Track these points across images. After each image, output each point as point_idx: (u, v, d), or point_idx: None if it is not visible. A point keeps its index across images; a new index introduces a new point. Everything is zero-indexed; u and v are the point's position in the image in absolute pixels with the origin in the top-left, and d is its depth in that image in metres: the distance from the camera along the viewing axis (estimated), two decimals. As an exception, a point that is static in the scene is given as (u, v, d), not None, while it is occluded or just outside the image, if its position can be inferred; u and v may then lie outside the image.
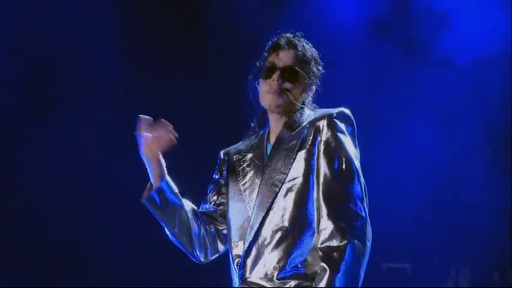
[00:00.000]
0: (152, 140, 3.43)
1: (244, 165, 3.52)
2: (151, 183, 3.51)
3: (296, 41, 3.51)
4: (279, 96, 3.44)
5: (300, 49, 3.49)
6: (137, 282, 7.52)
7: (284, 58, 3.48)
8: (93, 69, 7.46)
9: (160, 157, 3.47)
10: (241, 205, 3.45)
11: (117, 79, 7.61)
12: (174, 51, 7.81)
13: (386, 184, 7.07)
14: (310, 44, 3.55)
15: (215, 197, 3.65)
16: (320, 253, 3.22)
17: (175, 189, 3.53)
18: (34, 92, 7.39)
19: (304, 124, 3.42)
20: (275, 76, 3.45)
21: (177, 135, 3.45)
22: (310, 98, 3.53)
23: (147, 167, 3.49)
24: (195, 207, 3.62)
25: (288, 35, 3.54)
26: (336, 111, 3.39)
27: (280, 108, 3.46)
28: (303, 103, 3.50)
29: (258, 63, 3.55)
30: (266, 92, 3.46)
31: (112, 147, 7.28)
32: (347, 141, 3.35)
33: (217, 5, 8.05)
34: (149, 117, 3.43)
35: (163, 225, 3.54)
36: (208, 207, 3.65)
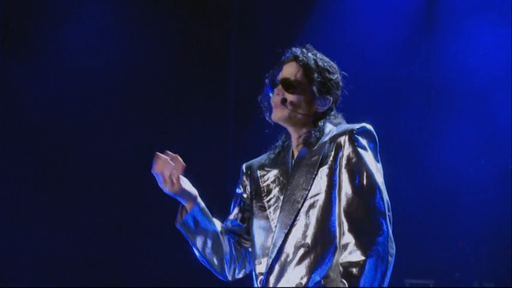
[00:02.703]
0: (169, 175, 3.40)
1: (269, 181, 3.49)
2: (183, 206, 3.50)
3: (299, 53, 3.48)
4: (281, 110, 3.43)
5: (301, 59, 3.46)
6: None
7: (286, 71, 3.46)
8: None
9: (184, 184, 3.43)
10: (265, 222, 3.42)
11: (141, 90, 7.66)
12: (197, 64, 7.84)
13: (409, 200, 7.04)
14: (319, 55, 3.50)
15: (240, 214, 3.61)
16: (341, 268, 3.20)
17: (207, 212, 3.52)
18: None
19: (325, 140, 3.39)
20: (276, 90, 3.44)
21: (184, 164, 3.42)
22: (326, 109, 3.47)
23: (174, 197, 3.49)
24: (225, 227, 3.59)
25: (295, 48, 3.50)
26: (358, 127, 3.36)
27: (287, 121, 3.45)
28: (316, 114, 3.46)
29: (266, 81, 3.53)
30: (272, 107, 3.46)
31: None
32: (368, 156, 3.31)
33: (241, 17, 8.06)
34: (165, 156, 3.40)
35: (194, 247, 3.52)
36: (235, 224, 3.61)
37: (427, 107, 7.80)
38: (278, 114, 3.44)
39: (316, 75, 3.43)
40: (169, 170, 3.39)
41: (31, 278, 7.37)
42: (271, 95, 3.47)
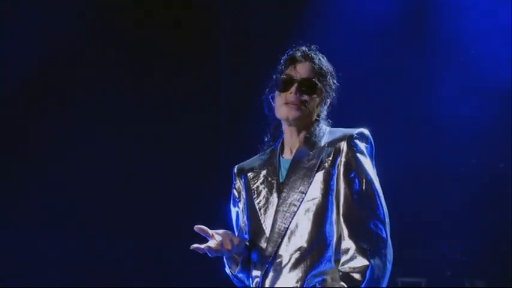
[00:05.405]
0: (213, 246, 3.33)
1: (258, 183, 3.49)
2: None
3: (312, 54, 3.49)
4: (297, 109, 3.42)
5: (316, 62, 3.47)
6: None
7: (301, 70, 3.46)
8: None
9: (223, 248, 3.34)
10: (258, 224, 3.42)
11: (130, 98, 7.68)
12: (187, 66, 7.84)
13: (400, 199, 7.03)
14: (325, 58, 3.53)
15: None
16: (341, 273, 3.22)
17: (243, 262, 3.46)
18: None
19: (323, 144, 3.40)
20: (293, 89, 3.42)
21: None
22: (325, 112, 3.51)
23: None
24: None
25: (304, 47, 3.52)
26: (356, 132, 3.38)
27: (298, 121, 3.43)
28: (319, 116, 3.47)
29: (274, 76, 3.51)
30: (283, 105, 3.43)
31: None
32: (367, 162, 3.34)
33: (230, 23, 8.06)
34: (202, 231, 3.33)
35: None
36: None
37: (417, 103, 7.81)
38: (293, 114, 3.42)
39: (327, 79, 3.47)
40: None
41: (31, 278, 7.36)
42: (281, 92, 3.45)
